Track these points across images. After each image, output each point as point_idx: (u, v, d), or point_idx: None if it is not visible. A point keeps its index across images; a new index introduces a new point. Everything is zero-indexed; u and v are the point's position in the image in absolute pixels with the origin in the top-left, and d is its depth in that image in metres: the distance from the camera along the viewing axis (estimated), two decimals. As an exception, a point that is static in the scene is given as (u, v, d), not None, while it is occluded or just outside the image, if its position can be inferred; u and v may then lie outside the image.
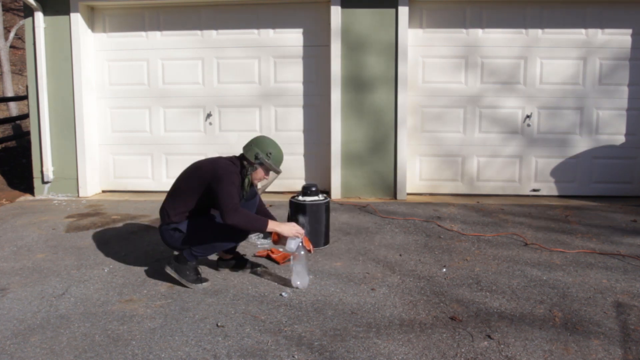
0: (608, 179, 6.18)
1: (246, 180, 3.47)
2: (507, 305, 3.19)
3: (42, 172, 6.22)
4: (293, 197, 4.34)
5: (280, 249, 4.12)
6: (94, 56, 6.35)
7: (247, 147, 3.50)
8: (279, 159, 3.55)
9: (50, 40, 6.08)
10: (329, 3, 5.90)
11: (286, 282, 3.50)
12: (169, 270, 3.42)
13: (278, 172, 3.56)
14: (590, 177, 6.19)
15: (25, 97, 8.92)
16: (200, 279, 3.45)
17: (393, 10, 5.82)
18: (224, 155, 6.47)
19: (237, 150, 6.48)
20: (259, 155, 3.45)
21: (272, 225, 3.29)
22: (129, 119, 6.41)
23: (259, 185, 3.74)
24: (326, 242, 4.32)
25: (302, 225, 4.00)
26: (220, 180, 3.25)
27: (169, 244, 3.46)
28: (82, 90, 6.12)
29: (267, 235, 4.40)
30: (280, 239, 3.51)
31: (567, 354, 2.63)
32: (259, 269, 3.77)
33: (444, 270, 3.77)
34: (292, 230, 3.34)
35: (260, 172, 3.51)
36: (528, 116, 6.11)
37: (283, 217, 5.06)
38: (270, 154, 3.48)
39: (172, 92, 6.33)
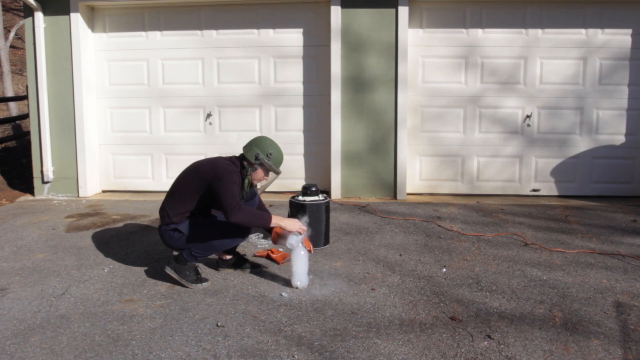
0: (608, 179, 6.18)
1: (246, 181, 3.47)
2: (507, 305, 3.19)
3: (42, 172, 6.22)
4: (293, 197, 4.34)
5: (280, 249, 4.12)
6: (94, 56, 6.35)
7: (247, 147, 3.49)
8: (279, 160, 3.54)
9: (50, 40, 6.08)
10: (329, 3, 5.90)
11: (286, 282, 3.50)
12: (168, 271, 3.42)
13: (278, 172, 3.56)
14: (590, 177, 6.19)
15: (25, 97, 8.92)
16: (200, 279, 3.45)
17: (393, 10, 5.82)
18: (224, 155, 6.48)
19: (237, 150, 6.46)
20: (259, 156, 3.44)
21: (275, 220, 3.31)
22: (129, 119, 6.41)
23: (259, 185, 3.74)
24: (326, 242, 4.32)
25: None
26: (221, 179, 3.25)
27: (168, 244, 3.46)
28: (82, 90, 6.12)
29: (268, 234, 4.40)
30: (280, 238, 3.51)
31: (567, 354, 2.63)
32: (259, 269, 3.77)
33: (444, 270, 3.77)
34: (295, 225, 3.36)
35: (260, 172, 3.50)
36: (528, 116, 6.11)
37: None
38: (270, 154, 3.47)
39: (172, 92, 6.33)
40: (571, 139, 6.15)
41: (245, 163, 3.47)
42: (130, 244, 4.38)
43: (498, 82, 6.10)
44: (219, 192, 3.22)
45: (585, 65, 6.04)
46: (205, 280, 3.48)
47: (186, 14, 6.22)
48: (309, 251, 3.48)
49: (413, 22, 6.02)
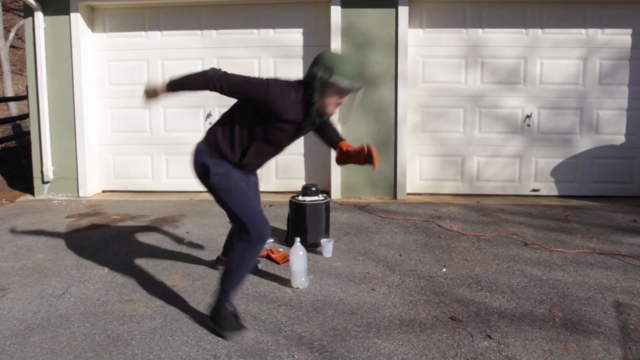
0: (608, 179, 6.18)
1: (313, 109, 2.76)
2: (507, 305, 3.19)
3: (42, 172, 6.22)
4: (293, 197, 4.34)
5: (280, 249, 4.12)
6: (94, 56, 6.35)
7: (308, 70, 2.80)
8: (349, 73, 2.70)
9: (50, 40, 6.08)
10: (329, 3, 5.90)
11: (286, 282, 3.50)
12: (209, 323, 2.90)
13: (355, 88, 2.75)
14: (591, 177, 6.19)
15: (25, 97, 8.92)
16: (238, 325, 2.84)
17: (393, 10, 5.82)
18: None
19: (237, 150, 6.49)
20: (320, 74, 2.70)
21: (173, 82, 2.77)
22: (129, 118, 6.42)
23: (336, 111, 2.98)
24: (326, 242, 4.32)
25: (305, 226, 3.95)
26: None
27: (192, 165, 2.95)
28: (82, 90, 6.12)
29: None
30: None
31: (567, 354, 2.63)
32: (258, 268, 3.76)
33: (444, 270, 3.77)
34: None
35: (330, 96, 2.74)
36: (528, 116, 6.11)
37: (283, 217, 5.07)
38: (333, 69, 2.67)
39: (172, 92, 6.33)
40: (571, 138, 6.15)
41: (308, 90, 2.76)
42: (130, 244, 4.38)
43: (498, 82, 6.10)
44: None
45: (585, 65, 6.04)
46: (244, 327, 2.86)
47: (186, 14, 6.22)
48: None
49: (413, 22, 6.02)
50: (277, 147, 2.90)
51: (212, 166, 2.82)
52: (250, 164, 2.92)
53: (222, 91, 2.70)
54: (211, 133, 2.88)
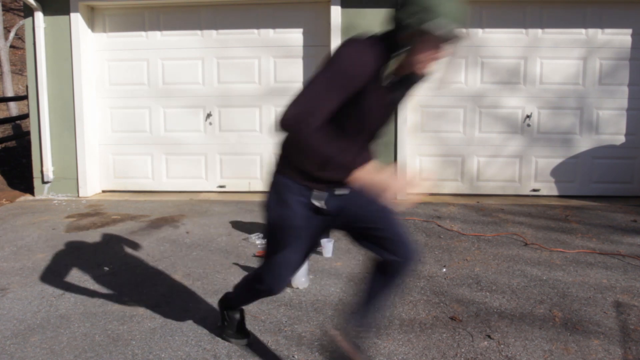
0: (608, 179, 6.18)
1: (390, 63, 1.91)
2: (507, 305, 3.19)
3: (42, 172, 6.22)
4: (293, 197, 4.33)
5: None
6: (94, 56, 6.35)
7: (391, 13, 1.97)
8: (455, 15, 1.81)
9: (50, 40, 6.08)
10: (329, 3, 5.90)
11: (286, 282, 3.50)
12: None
13: (456, 37, 1.85)
14: (591, 177, 6.19)
15: (25, 97, 8.92)
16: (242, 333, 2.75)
17: (393, 10, 5.81)
18: (225, 155, 6.49)
19: (238, 150, 6.50)
20: (411, 20, 1.85)
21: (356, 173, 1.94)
22: (129, 118, 6.41)
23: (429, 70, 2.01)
24: (326, 242, 4.31)
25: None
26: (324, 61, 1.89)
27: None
28: (82, 90, 6.12)
29: None
30: None
31: (567, 354, 2.63)
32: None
33: (444, 270, 3.77)
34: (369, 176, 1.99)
35: (425, 49, 1.87)
36: (528, 116, 6.11)
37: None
38: (432, 10, 1.80)
39: (172, 92, 6.34)
40: (571, 138, 6.15)
41: (399, 40, 1.90)
42: (131, 244, 4.38)
43: (498, 82, 6.10)
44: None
45: (585, 65, 6.04)
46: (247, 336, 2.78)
47: (186, 14, 6.22)
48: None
49: (413, 22, 6.01)
50: (367, 136, 2.10)
51: (270, 196, 2.16)
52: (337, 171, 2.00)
53: (324, 119, 1.89)
54: (283, 139, 2.10)
